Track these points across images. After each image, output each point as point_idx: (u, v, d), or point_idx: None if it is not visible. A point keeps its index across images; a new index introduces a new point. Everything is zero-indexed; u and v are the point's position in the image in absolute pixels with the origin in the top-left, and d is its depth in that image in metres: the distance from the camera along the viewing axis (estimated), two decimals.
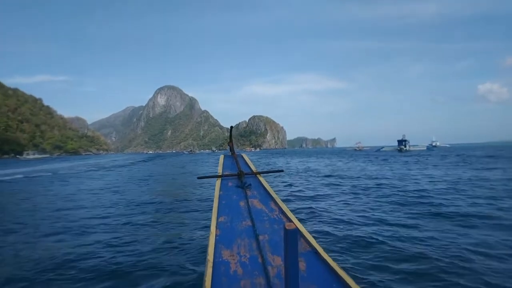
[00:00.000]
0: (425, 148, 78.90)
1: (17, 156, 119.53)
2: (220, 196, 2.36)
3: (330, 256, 1.50)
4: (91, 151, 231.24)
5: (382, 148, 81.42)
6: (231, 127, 3.90)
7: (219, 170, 2.99)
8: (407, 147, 72.05)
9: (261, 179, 2.74)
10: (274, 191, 2.41)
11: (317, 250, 1.56)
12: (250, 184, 2.56)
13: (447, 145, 78.86)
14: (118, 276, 3.91)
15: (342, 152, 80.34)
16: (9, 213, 8.60)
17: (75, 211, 8.57)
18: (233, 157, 3.35)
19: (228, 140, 3.69)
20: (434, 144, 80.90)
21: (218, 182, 2.63)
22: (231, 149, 3.53)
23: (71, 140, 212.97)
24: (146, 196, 11.10)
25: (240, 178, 2.69)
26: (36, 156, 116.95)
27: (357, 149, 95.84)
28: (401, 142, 74.12)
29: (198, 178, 2.95)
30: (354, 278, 1.31)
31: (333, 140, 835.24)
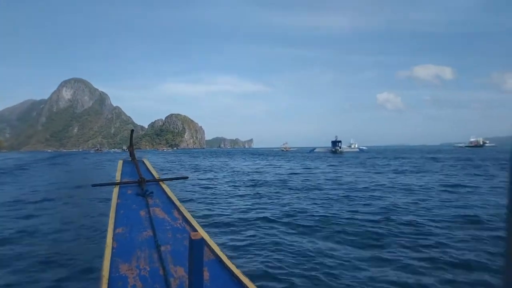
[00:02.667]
0: (358, 149, 76.51)
1: None
2: (118, 205, 2.24)
3: (234, 263, 1.49)
4: None
5: (314, 149, 79.55)
6: (132, 130, 3.67)
7: (117, 177, 2.82)
8: (341, 149, 69.14)
9: (164, 186, 2.65)
10: (178, 199, 2.40)
11: (221, 259, 1.54)
12: (152, 192, 2.46)
13: (365, 147, 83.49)
14: None
15: (271, 153, 79.44)
16: None
17: None
18: (133, 163, 3.15)
19: (128, 145, 3.49)
20: (352, 146, 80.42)
21: (116, 190, 2.51)
22: (131, 154, 3.33)
23: None
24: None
25: (141, 186, 2.57)
26: None
27: (284, 149, 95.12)
28: (335, 143, 70.32)
29: (93, 185, 2.82)
30: (257, 283, 1.33)
31: (250, 141, 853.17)
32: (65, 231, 6.17)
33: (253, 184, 14.06)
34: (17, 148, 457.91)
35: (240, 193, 11.50)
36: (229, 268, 1.45)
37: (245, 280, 1.33)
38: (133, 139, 3.54)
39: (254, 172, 21.10)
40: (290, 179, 15.91)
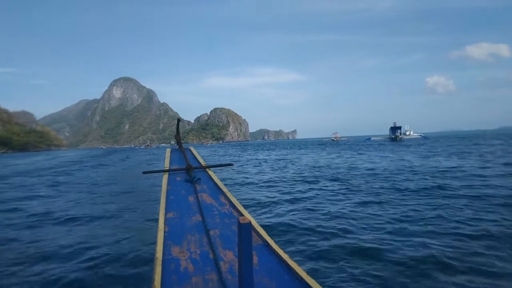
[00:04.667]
0: (420, 136, 68.10)
1: None
2: (168, 191, 2.32)
3: (281, 248, 1.51)
4: (41, 147, 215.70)
5: (369, 138, 72.16)
6: (178, 120, 3.72)
7: (166, 165, 2.91)
8: (402, 135, 62.59)
9: (211, 173, 2.72)
10: (225, 185, 2.44)
11: (268, 243, 1.56)
12: (199, 178, 2.54)
13: (421, 134, 75.13)
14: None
15: (324, 144, 67.15)
16: None
17: None
18: (180, 151, 3.25)
19: (175, 134, 3.51)
20: (407, 133, 71.20)
21: (165, 177, 2.58)
22: (178, 143, 3.38)
23: (17, 136, 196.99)
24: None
25: (189, 172, 2.66)
26: None
27: (335, 139, 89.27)
28: (395, 129, 63.62)
29: (144, 173, 2.93)
30: (304, 269, 1.33)
31: (294, 131, 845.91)
32: (121, 215, 6.66)
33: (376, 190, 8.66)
34: (76, 146, 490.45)
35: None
36: (277, 252, 1.47)
37: (293, 264, 1.36)
38: (179, 129, 3.53)
39: (338, 167, 15.53)
40: (390, 176, 11.12)
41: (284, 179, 11.72)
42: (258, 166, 18.51)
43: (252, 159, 26.29)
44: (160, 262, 1.41)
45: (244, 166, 18.79)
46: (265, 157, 27.56)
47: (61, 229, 5.80)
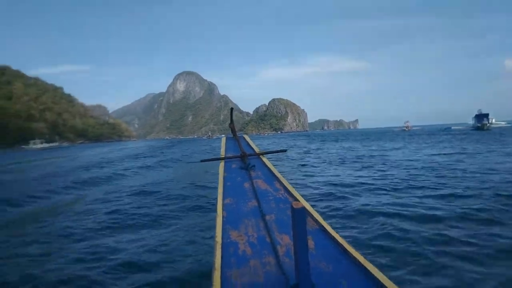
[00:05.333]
0: (508, 124, 60.28)
1: (22, 146, 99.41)
2: (224, 178, 2.40)
3: (337, 232, 1.53)
4: (113, 138, 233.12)
5: (449, 127, 64.91)
6: (231, 109, 3.76)
7: (222, 153, 3.01)
8: (489, 124, 54.87)
9: (264, 159, 2.77)
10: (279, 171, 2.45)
11: (324, 228, 1.58)
12: (253, 165, 2.60)
13: (508, 122, 65.04)
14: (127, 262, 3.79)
15: (395, 134, 58.89)
16: None
17: None
18: (235, 139, 3.33)
19: (229, 122, 3.54)
20: (491, 120, 59.68)
21: (221, 165, 2.67)
22: (233, 131, 3.43)
23: (93, 128, 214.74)
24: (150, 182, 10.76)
25: (243, 160, 2.72)
26: (44, 145, 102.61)
27: (406, 129, 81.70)
28: (482, 117, 55.99)
29: (202, 161, 3.16)
30: (363, 254, 1.32)
31: (356, 121, 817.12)
32: (184, 200, 7.29)
33: None
34: (144, 137, 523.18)
35: None
36: (334, 237, 1.49)
37: (351, 249, 1.37)
38: (233, 117, 3.52)
39: (467, 170, 9.83)
40: None
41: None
42: (355, 167, 12.30)
43: (330, 153, 20.99)
44: (220, 246, 1.47)
45: (327, 167, 12.99)
46: (341, 151, 22.07)
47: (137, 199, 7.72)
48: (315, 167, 13.03)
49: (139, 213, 6.15)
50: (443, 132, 56.65)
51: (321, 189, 7.83)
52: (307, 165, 14.01)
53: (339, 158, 16.22)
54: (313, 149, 25.37)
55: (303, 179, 9.75)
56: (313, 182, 8.97)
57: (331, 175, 10.25)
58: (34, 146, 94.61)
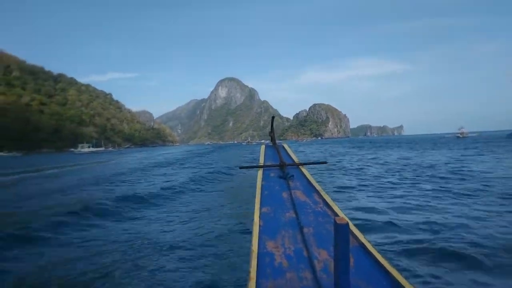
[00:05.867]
0: None
1: (71, 149, 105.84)
2: (262, 186, 2.36)
3: (379, 252, 1.47)
4: (157, 143, 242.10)
5: None
6: (273, 117, 3.77)
7: (261, 161, 2.97)
8: None
9: (304, 170, 2.68)
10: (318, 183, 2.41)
11: (365, 245, 1.53)
12: (292, 175, 2.53)
13: None
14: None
15: (453, 143, 46.62)
16: None
17: None
18: (274, 148, 3.27)
19: (269, 131, 3.53)
20: None
21: (260, 173, 2.62)
22: (272, 139, 3.43)
23: (139, 133, 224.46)
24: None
25: (282, 169, 2.66)
26: (91, 149, 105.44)
27: (461, 136, 75.11)
28: None
29: (240, 168, 3.25)
30: (405, 275, 1.26)
31: (400, 127, 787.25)
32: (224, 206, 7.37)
33: None
34: (186, 142, 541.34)
35: None
36: (375, 256, 1.44)
37: (392, 270, 1.32)
38: (273, 126, 3.53)
39: None
40: None
41: None
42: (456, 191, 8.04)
43: (391, 162, 17.69)
44: (256, 255, 1.44)
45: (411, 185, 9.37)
46: (405, 161, 18.18)
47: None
48: (395, 186, 9.35)
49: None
50: (506, 138, 50.17)
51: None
52: (380, 179, 10.77)
53: (416, 175, 11.46)
54: (370, 158, 21.82)
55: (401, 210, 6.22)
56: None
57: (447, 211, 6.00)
58: (83, 150, 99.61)
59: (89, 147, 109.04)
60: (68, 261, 4.19)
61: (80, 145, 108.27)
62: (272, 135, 3.50)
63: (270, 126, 3.57)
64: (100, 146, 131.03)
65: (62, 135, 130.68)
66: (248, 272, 1.32)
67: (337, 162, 19.40)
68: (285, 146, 3.44)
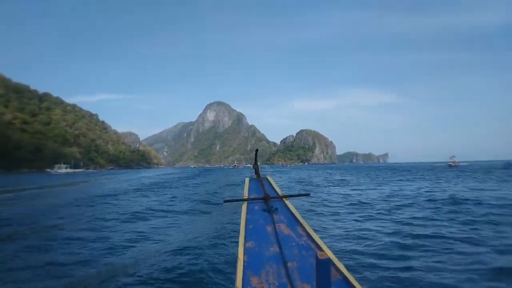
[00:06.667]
0: None
1: (47, 169, 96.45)
2: (247, 219, 2.36)
3: (361, 285, 1.48)
4: (142, 165, 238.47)
5: (510, 162, 54.83)
6: (256, 150, 3.76)
7: (245, 193, 2.96)
8: None
9: (288, 203, 2.70)
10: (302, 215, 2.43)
11: (348, 279, 1.52)
12: (276, 208, 2.54)
13: None
14: None
15: (444, 170, 49.19)
16: None
17: None
18: (258, 180, 3.30)
19: (253, 163, 3.59)
20: None
21: (244, 206, 2.62)
22: (256, 172, 3.44)
23: (123, 154, 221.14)
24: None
25: (266, 202, 2.67)
26: (68, 170, 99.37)
27: (452, 164, 74.59)
28: None
29: (225, 201, 3.08)
30: None
31: (385, 155, 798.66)
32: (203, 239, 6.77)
33: None
34: (172, 164, 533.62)
35: None
36: None
37: None
38: (257, 158, 3.59)
39: None
40: None
41: None
42: None
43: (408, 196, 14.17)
44: None
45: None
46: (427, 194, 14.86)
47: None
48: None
49: None
50: (505, 169, 48.20)
51: None
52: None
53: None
54: (369, 189, 18.77)
55: None
56: None
57: None
58: (59, 171, 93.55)
59: (66, 167, 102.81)
60: None
61: (56, 165, 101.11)
62: (256, 167, 3.51)
63: (254, 159, 3.58)
64: (79, 167, 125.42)
65: (44, 154, 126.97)
66: None
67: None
68: (269, 178, 3.44)
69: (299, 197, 3.30)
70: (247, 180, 3.35)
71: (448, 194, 14.03)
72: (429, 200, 12.25)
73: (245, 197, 2.80)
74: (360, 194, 15.64)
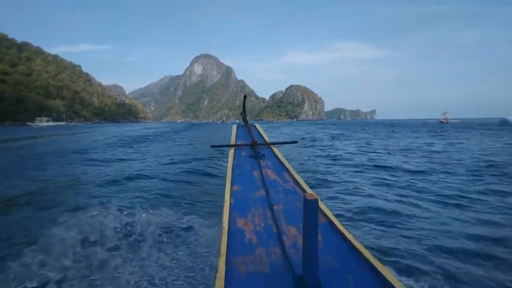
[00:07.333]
0: None
1: (28, 123, 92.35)
2: (233, 165, 2.40)
3: (346, 228, 1.51)
4: (129, 119, 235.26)
5: (505, 119, 51.88)
6: (245, 96, 3.77)
7: (232, 140, 3.03)
8: None
9: (275, 149, 2.77)
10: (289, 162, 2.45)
11: (333, 222, 1.56)
12: (263, 155, 2.60)
13: None
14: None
15: (442, 129, 39.76)
16: None
17: None
18: (246, 127, 3.33)
19: (242, 111, 3.56)
20: None
21: (231, 152, 2.68)
22: (244, 119, 3.47)
23: (109, 108, 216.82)
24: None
25: (254, 148, 2.74)
26: (50, 123, 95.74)
27: (444, 121, 72.09)
28: None
29: (212, 146, 3.18)
30: (370, 250, 1.31)
31: (373, 112, 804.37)
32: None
33: None
34: (159, 119, 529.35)
35: None
36: (342, 232, 1.47)
37: (359, 245, 1.36)
38: (245, 106, 3.53)
39: None
40: None
41: None
42: None
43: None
44: (226, 232, 1.48)
45: None
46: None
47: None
48: None
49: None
50: (498, 125, 46.24)
51: None
52: None
53: None
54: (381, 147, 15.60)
55: None
56: None
57: None
58: (40, 124, 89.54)
59: (48, 121, 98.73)
60: None
61: (38, 118, 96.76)
62: (244, 115, 3.48)
63: (242, 106, 3.52)
64: (62, 120, 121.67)
65: (27, 106, 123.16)
66: (218, 249, 1.34)
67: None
68: (257, 126, 3.49)
69: (287, 144, 3.35)
70: (234, 126, 3.40)
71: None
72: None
73: (233, 143, 2.84)
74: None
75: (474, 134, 26.66)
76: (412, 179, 6.99)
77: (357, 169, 8.58)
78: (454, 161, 9.85)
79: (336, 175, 7.62)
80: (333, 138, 23.81)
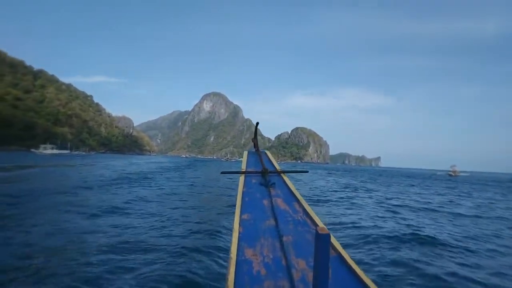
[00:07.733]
0: None
1: (32, 149, 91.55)
2: (243, 192, 2.35)
3: (356, 263, 1.48)
4: (134, 151, 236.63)
5: None
6: (257, 123, 3.69)
7: (243, 167, 2.95)
8: None
9: (285, 178, 2.68)
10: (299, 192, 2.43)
11: (343, 256, 1.52)
12: (274, 183, 2.53)
13: None
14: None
15: (444, 179, 45.74)
16: None
17: None
18: (257, 154, 3.28)
19: (253, 137, 3.53)
20: None
21: (241, 179, 2.60)
22: (255, 146, 3.45)
23: (116, 138, 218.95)
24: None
25: (264, 176, 2.66)
26: (54, 151, 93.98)
27: (452, 174, 69.54)
28: None
29: (222, 173, 3.28)
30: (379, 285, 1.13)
31: (378, 159, 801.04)
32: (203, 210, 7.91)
33: None
34: (165, 152, 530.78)
35: None
36: (352, 267, 1.43)
37: (368, 281, 1.32)
38: (257, 133, 3.51)
39: None
40: None
41: None
42: None
43: None
44: (234, 262, 1.44)
45: None
46: None
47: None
48: None
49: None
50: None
51: None
52: None
53: None
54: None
55: None
56: None
57: None
58: (44, 151, 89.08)
59: (52, 148, 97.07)
60: None
61: (42, 145, 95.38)
62: (255, 141, 3.46)
63: (254, 133, 3.46)
64: (66, 148, 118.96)
65: (35, 133, 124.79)
66: (226, 280, 1.31)
67: None
68: (268, 153, 3.40)
69: (297, 173, 4.02)
70: (245, 153, 3.30)
71: None
72: None
73: (243, 170, 2.76)
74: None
75: (495, 193, 24.28)
76: None
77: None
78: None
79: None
80: (351, 188, 20.24)
